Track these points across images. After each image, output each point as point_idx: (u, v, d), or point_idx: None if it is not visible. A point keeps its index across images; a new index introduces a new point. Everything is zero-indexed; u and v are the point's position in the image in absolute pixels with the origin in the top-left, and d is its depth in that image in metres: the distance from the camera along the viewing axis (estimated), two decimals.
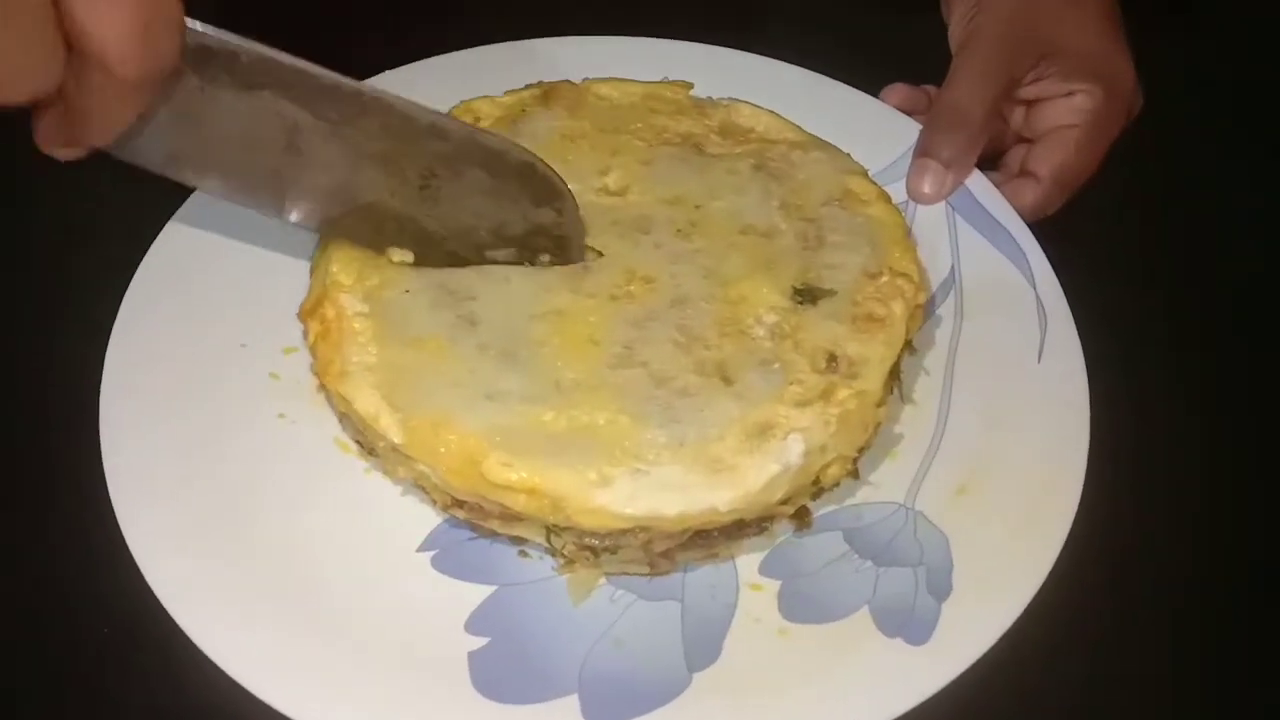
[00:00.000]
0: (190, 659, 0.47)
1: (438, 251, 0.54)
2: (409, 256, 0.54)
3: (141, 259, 0.59)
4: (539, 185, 0.54)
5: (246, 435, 0.55)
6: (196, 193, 0.61)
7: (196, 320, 0.58)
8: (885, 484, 0.55)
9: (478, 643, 0.49)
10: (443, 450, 0.48)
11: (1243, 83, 0.78)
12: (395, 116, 0.49)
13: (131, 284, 0.59)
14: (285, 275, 0.59)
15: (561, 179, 0.55)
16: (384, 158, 0.50)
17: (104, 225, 0.65)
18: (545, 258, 0.54)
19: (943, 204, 0.65)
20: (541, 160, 0.54)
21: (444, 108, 0.63)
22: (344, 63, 0.65)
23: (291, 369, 0.58)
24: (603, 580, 0.51)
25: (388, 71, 0.68)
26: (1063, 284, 0.60)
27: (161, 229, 0.61)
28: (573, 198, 0.55)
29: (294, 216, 0.53)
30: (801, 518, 0.52)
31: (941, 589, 0.50)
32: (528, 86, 0.65)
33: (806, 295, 0.55)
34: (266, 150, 0.48)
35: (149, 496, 0.51)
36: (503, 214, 0.54)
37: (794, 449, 0.49)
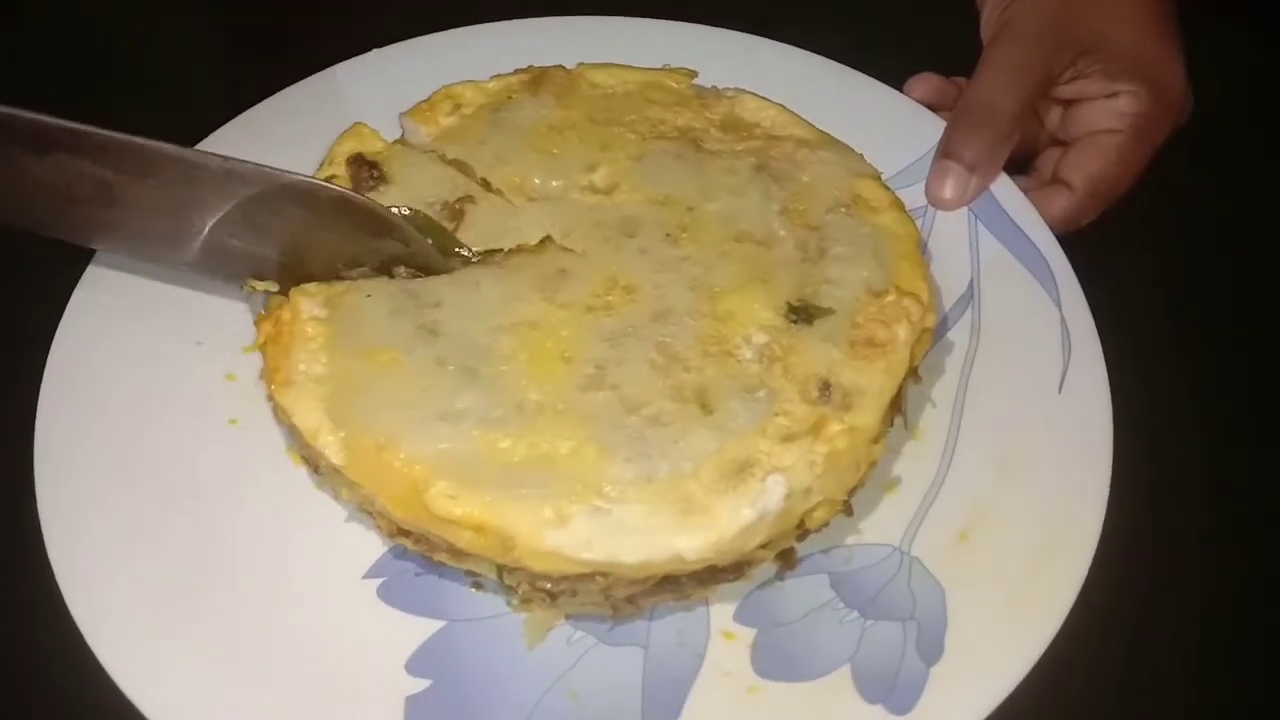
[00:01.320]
0: (103, 688, 0.44)
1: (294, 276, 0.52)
2: (272, 286, 0.52)
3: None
4: (366, 218, 0.51)
5: (192, 441, 0.51)
6: None
7: (151, 313, 0.54)
8: (880, 524, 0.50)
9: (418, 685, 0.45)
10: (386, 476, 0.44)
11: None
12: (185, 167, 0.50)
13: (86, 272, 0.55)
14: None
15: (388, 211, 0.51)
16: (184, 206, 0.51)
17: None
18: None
19: (964, 212, 0.59)
20: (359, 196, 0.52)
21: (426, 92, 0.59)
22: (328, 42, 0.62)
23: (251, 370, 0.54)
24: (562, 620, 0.47)
25: (374, 51, 0.64)
26: (1091, 305, 0.55)
27: None
28: (410, 226, 0.52)
29: (166, 260, 0.53)
30: (785, 559, 0.48)
31: (932, 650, 0.45)
32: (517, 71, 0.60)
33: (802, 313, 0.50)
34: (89, 203, 0.50)
35: (75, 504, 0.48)
36: (347, 248, 0.51)
37: (774, 492, 0.44)
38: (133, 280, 0.55)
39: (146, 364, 0.53)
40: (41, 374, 0.52)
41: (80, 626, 0.45)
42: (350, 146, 0.56)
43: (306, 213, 0.51)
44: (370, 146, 0.56)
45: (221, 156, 0.50)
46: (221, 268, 0.53)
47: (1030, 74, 0.59)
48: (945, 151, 0.59)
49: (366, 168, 0.55)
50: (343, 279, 0.51)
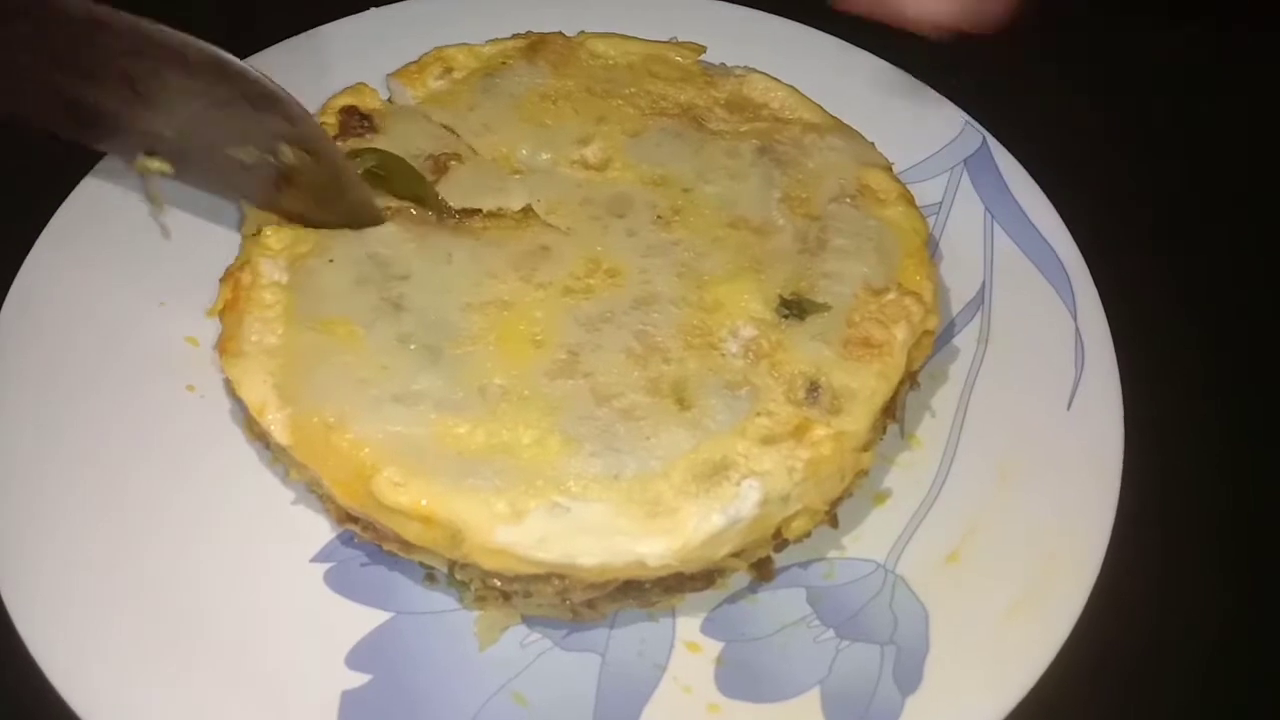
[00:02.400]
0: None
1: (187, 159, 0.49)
2: (167, 166, 0.49)
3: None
4: (244, 86, 0.47)
5: (145, 408, 0.48)
6: None
7: (115, 270, 0.52)
8: (866, 537, 0.47)
9: (356, 680, 0.42)
10: (333, 459, 0.41)
11: None
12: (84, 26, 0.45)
13: (50, 223, 0.53)
14: (224, 227, 0.53)
15: (269, 81, 0.47)
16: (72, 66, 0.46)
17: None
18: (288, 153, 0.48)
19: (980, 210, 0.55)
20: (233, 59, 0.46)
21: (417, 53, 0.56)
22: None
23: (213, 334, 0.51)
24: (518, 620, 0.44)
25: (371, 10, 0.61)
26: (1109, 315, 0.51)
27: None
28: (296, 103, 0.47)
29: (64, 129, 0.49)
30: (761, 569, 0.45)
31: (910, 679, 0.42)
32: (515, 36, 0.57)
33: (794, 308, 0.46)
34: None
35: (12, 463, 0.45)
36: (232, 122, 0.47)
37: (748, 498, 0.41)
38: (100, 234, 0.53)
39: (106, 321, 0.51)
40: None
41: (4, 598, 0.42)
42: (346, 100, 0.53)
43: (185, 78, 0.47)
44: (368, 103, 0.53)
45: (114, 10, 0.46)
46: (115, 140, 0.50)
47: None
48: None
49: (358, 117, 0.52)
50: (235, 161, 0.48)
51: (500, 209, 0.50)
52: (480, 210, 0.49)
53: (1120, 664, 0.45)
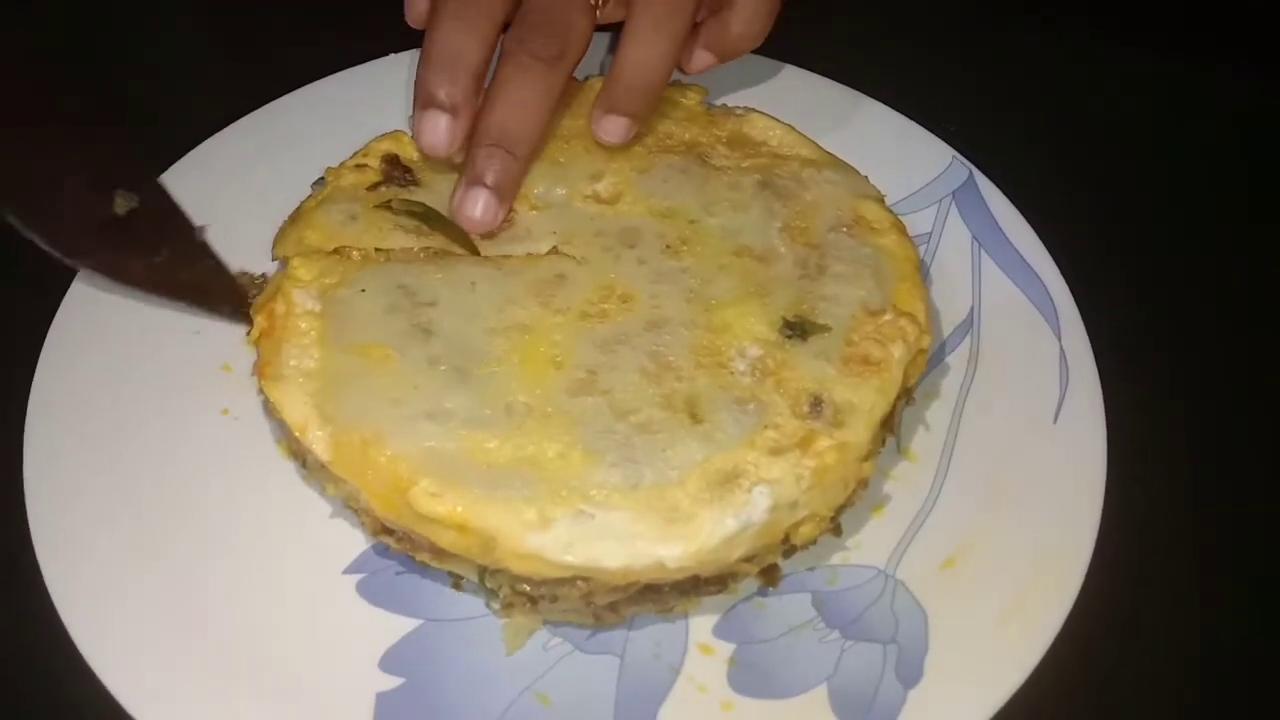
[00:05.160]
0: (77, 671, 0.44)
1: None
2: None
3: None
4: None
5: (182, 432, 0.51)
6: (170, 169, 0.58)
7: (150, 301, 0.55)
8: (867, 545, 0.49)
9: (390, 683, 0.44)
10: (371, 473, 0.44)
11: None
12: None
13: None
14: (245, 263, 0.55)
15: None
16: None
17: None
18: None
19: (969, 239, 0.59)
20: None
21: None
22: (344, 47, 0.62)
23: (247, 361, 0.54)
24: (541, 625, 0.46)
25: (390, 55, 0.65)
26: (1094, 339, 0.54)
27: None
28: None
29: None
30: (769, 575, 0.47)
31: (911, 674, 0.45)
32: None
33: (797, 329, 0.50)
34: None
35: (62, 487, 0.48)
36: None
37: (759, 504, 0.44)
38: None
39: (144, 351, 0.53)
40: (38, 358, 0.52)
41: (60, 612, 0.45)
42: (387, 147, 0.57)
43: None
44: (407, 152, 0.56)
45: None
46: None
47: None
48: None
49: (400, 168, 0.56)
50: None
51: (530, 254, 0.53)
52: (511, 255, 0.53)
53: (1105, 661, 0.48)
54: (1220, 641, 0.50)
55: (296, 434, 0.46)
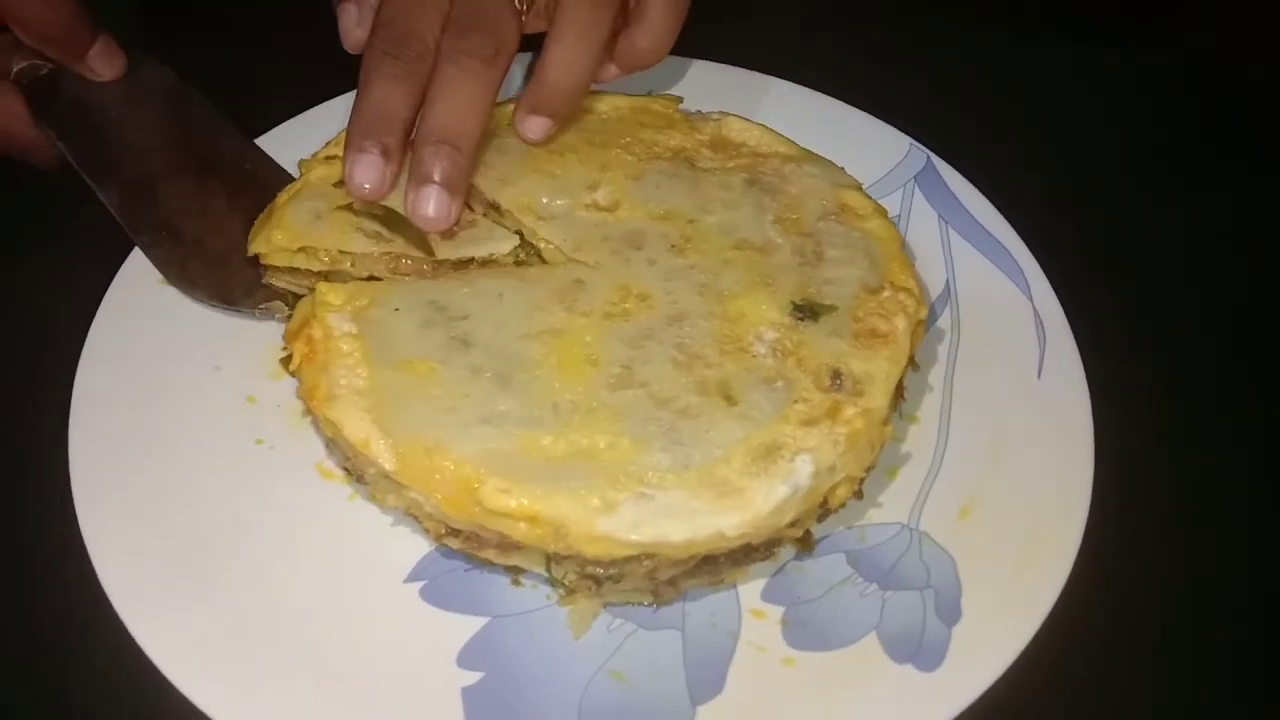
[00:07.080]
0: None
1: None
2: None
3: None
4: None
5: (222, 464, 0.52)
6: None
7: (168, 342, 0.56)
8: (888, 504, 0.53)
9: (471, 678, 0.47)
10: (437, 477, 0.46)
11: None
12: None
13: (102, 304, 0.57)
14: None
15: None
16: None
17: (75, 244, 0.63)
18: None
19: (935, 219, 0.64)
20: None
21: None
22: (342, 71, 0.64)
23: (271, 393, 0.55)
24: (602, 609, 0.49)
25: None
26: (1061, 299, 0.60)
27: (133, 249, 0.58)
28: None
29: None
30: (803, 542, 0.51)
31: (951, 613, 0.49)
32: (509, 100, 0.63)
33: (807, 311, 0.53)
34: None
35: (123, 536, 0.49)
36: None
37: (803, 470, 0.47)
38: (148, 308, 0.57)
39: (170, 393, 0.54)
40: (68, 413, 0.53)
41: (149, 654, 0.46)
42: None
43: None
44: None
45: None
46: None
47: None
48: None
49: None
50: None
51: (491, 255, 0.55)
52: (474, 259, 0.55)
53: (1117, 584, 0.53)
54: (1220, 544, 0.56)
55: (359, 449, 0.47)
